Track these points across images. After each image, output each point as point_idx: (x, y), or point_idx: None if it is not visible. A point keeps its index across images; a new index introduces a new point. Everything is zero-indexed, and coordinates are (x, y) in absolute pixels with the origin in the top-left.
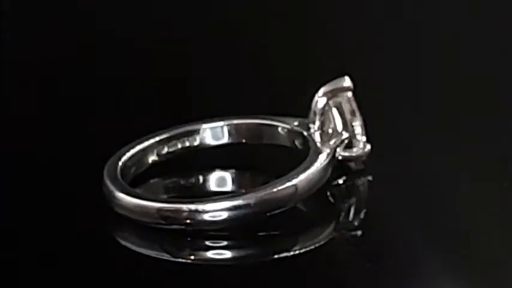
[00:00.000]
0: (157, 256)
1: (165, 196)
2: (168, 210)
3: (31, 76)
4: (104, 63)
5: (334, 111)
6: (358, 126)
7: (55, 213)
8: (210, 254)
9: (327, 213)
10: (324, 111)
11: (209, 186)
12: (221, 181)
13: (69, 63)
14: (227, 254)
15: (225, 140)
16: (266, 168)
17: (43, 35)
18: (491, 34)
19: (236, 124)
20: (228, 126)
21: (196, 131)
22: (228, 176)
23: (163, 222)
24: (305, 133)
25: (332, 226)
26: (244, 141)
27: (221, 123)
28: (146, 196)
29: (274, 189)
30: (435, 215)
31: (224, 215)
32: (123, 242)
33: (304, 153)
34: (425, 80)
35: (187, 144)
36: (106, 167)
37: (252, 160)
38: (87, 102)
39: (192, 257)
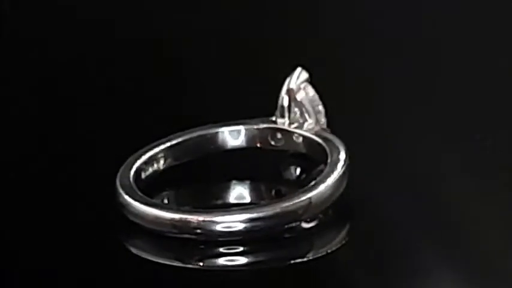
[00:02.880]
0: (170, 263)
1: (178, 204)
2: (180, 220)
3: (40, 78)
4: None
5: (300, 103)
6: (320, 112)
7: (67, 221)
8: (222, 260)
9: (340, 218)
10: (291, 106)
11: (224, 195)
12: (236, 190)
13: (78, 65)
14: (240, 260)
15: (239, 144)
16: (281, 176)
17: (46, 35)
18: (491, 34)
19: (250, 128)
20: (243, 131)
21: (211, 135)
22: (242, 184)
23: (175, 231)
24: (322, 142)
25: (345, 231)
26: (258, 145)
27: (235, 127)
28: (159, 204)
29: (289, 203)
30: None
31: (238, 227)
32: (135, 250)
33: (318, 162)
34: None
35: (200, 149)
36: (119, 173)
37: (266, 167)
38: (100, 106)
39: (205, 264)
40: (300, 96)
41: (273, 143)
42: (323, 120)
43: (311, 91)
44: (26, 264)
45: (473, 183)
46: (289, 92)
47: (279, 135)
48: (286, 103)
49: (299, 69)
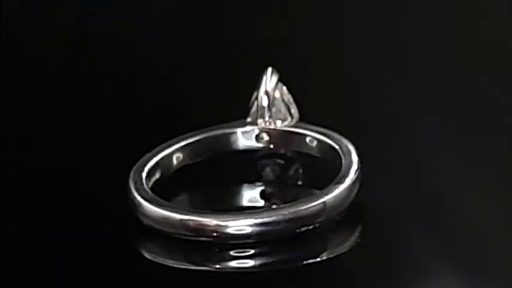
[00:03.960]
0: (182, 267)
1: (191, 206)
2: (192, 222)
3: (49, 79)
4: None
5: (278, 101)
6: (294, 108)
7: (78, 222)
8: (235, 263)
9: (352, 220)
10: (270, 105)
11: (237, 197)
12: (249, 192)
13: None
14: (253, 262)
15: (253, 144)
16: (295, 179)
17: (51, 36)
18: (490, 35)
19: (265, 129)
20: (257, 131)
21: (224, 135)
22: (256, 186)
23: (187, 233)
24: (336, 146)
25: (357, 233)
26: (272, 147)
27: (249, 127)
28: (171, 206)
29: (303, 207)
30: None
31: (251, 230)
32: (147, 254)
33: (330, 165)
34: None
35: (213, 148)
36: (131, 174)
37: (278, 169)
38: (110, 107)
39: (218, 266)
40: (277, 94)
41: (285, 146)
42: (297, 114)
43: (283, 88)
44: (36, 265)
45: (486, 185)
46: (268, 92)
47: (291, 138)
48: (266, 103)
49: (270, 69)
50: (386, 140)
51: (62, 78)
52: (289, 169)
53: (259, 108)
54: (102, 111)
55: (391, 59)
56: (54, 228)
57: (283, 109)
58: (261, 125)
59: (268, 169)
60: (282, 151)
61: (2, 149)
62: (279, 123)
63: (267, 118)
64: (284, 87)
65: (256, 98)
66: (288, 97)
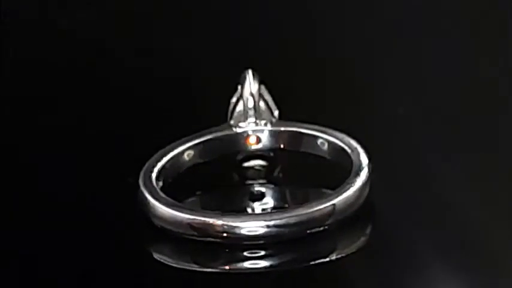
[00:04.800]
0: (192, 268)
1: (201, 207)
2: (202, 223)
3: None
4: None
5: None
6: (275, 109)
7: (87, 223)
8: (245, 264)
9: (362, 221)
10: (256, 107)
11: (247, 197)
12: (259, 193)
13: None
14: (263, 263)
15: (264, 144)
16: (305, 180)
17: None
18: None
19: (276, 130)
20: (268, 131)
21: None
22: (266, 187)
23: (197, 234)
24: (347, 149)
25: (367, 234)
26: (282, 147)
27: (261, 127)
28: (181, 207)
29: (312, 209)
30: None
31: (261, 232)
32: (157, 255)
33: (341, 167)
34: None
35: (224, 147)
36: (141, 174)
37: (290, 170)
38: (120, 106)
39: (228, 267)
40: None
41: (295, 146)
42: (277, 114)
43: (263, 88)
44: (47, 265)
45: (496, 187)
46: (253, 94)
47: (301, 139)
48: (251, 104)
49: (250, 71)
50: (393, 142)
51: (69, 77)
52: (274, 170)
53: (246, 110)
54: (111, 111)
55: (391, 59)
56: (62, 228)
57: (267, 110)
58: (247, 127)
59: (253, 170)
60: (271, 153)
61: (14, 149)
62: (263, 124)
63: (253, 120)
64: (264, 88)
65: (238, 101)
66: (269, 98)
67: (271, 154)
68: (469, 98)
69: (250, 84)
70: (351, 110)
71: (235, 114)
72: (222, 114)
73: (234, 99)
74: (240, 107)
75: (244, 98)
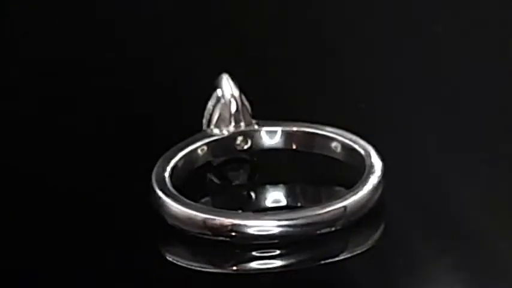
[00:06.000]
0: (204, 269)
1: (214, 206)
2: (214, 221)
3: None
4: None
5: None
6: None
7: (102, 222)
8: (255, 264)
9: (373, 218)
10: (239, 109)
11: (259, 197)
12: (272, 192)
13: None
14: (274, 263)
15: (276, 144)
16: (317, 181)
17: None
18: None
19: (290, 130)
20: (282, 131)
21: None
22: (278, 187)
23: (208, 232)
24: (362, 151)
25: (378, 234)
26: (294, 147)
27: (275, 127)
28: (194, 205)
29: (323, 210)
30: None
31: (272, 231)
32: (169, 255)
33: (354, 168)
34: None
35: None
36: (154, 171)
37: (303, 170)
38: (131, 104)
39: (238, 267)
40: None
41: (308, 147)
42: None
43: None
44: (58, 265)
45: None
46: (235, 97)
47: (314, 140)
48: (234, 109)
49: (226, 75)
50: (406, 143)
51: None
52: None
53: (231, 115)
54: (124, 109)
55: (391, 59)
56: (75, 227)
57: (246, 112)
58: (231, 130)
59: (236, 173)
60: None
61: (26, 151)
62: (243, 126)
63: (237, 123)
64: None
65: (215, 106)
66: (245, 100)
67: (255, 159)
68: (484, 98)
69: (232, 88)
70: (362, 111)
71: (215, 118)
72: None
73: (211, 104)
74: (233, 109)
75: (227, 102)
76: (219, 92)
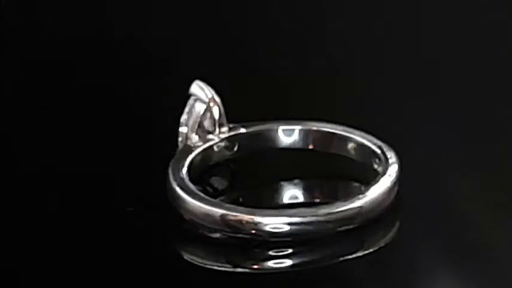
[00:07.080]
0: (222, 268)
1: (231, 202)
2: (232, 218)
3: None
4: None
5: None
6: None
7: (118, 218)
8: (272, 262)
9: (389, 219)
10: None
11: (276, 194)
12: (289, 190)
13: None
14: (289, 261)
15: (294, 144)
16: (334, 179)
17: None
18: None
19: (308, 129)
20: (300, 130)
21: (267, 131)
22: (295, 185)
23: (227, 229)
24: (378, 151)
25: (394, 232)
26: (311, 147)
27: (293, 126)
28: (212, 201)
29: (339, 209)
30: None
31: (287, 229)
32: (187, 255)
33: (370, 168)
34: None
35: (255, 144)
36: (170, 166)
37: (320, 169)
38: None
39: (256, 266)
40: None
41: (324, 147)
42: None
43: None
44: (73, 265)
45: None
46: (217, 102)
47: (332, 140)
48: (217, 115)
49: (199, 81)
50: (422, 142)
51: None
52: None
53: (213, 121)
54: (139, 106)
55: (391, 59)
56: (91, 226)
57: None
58: (218, 135)
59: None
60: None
61: (41, 149)
62: (225, 130)
63: (221, 128)
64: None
65: (191, 112)
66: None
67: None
68: (495, 103)
69: (213, 93)
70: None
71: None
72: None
73: (186, 111)
74: (216, 115)
75: (211, 107)
76: (197, 99)
